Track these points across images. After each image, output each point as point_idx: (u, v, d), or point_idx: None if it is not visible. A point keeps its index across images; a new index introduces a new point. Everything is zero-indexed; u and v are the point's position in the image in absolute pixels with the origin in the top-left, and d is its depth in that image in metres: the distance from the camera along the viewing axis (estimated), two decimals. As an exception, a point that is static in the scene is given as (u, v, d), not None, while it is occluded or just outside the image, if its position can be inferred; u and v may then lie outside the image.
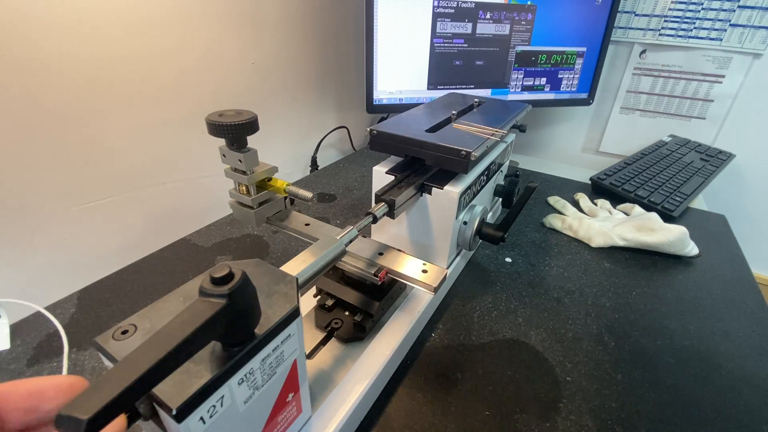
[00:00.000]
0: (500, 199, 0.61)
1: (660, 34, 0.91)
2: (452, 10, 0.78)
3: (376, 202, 0.40)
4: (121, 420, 0.18)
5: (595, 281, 0.56)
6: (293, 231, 0.41)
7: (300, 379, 0.28)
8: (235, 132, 0.34)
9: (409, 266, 0.38)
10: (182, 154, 0.68)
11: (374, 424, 0.37)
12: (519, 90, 0.90)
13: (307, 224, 0.42)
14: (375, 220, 0.38)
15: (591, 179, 0.85)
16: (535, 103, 0.70)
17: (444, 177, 0.45)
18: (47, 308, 0.49)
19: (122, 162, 0.60)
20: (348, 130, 1.03)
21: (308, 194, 0.38)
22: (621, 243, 0.63)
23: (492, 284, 0.55)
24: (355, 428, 0.36)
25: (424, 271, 0.38)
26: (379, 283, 0.38)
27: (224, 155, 0.37)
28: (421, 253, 0.50)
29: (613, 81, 0.99)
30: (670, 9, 0.89)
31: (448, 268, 0.50)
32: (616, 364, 0.44)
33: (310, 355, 0.38)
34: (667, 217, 0.72)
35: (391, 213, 0.40)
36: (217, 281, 0.19)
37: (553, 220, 0.70)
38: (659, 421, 0.38)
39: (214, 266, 0.20)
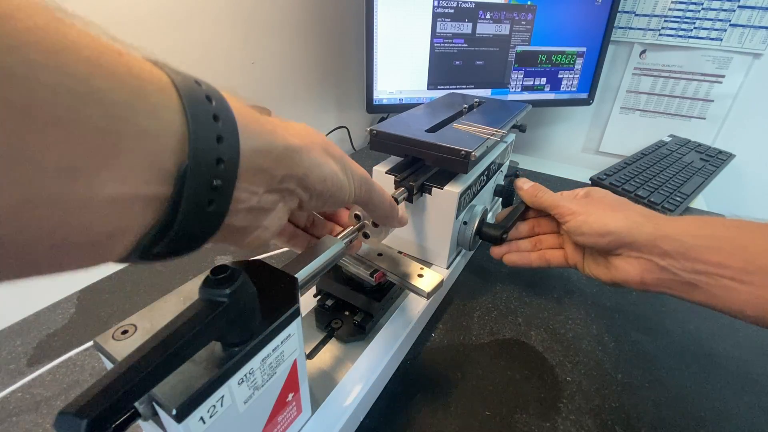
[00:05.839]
0: (500, 199, 0.61)
1: (660, 34, 0.91)
2: (452, 10, 0.78)
3: (396, 188, 0.42)
4: None
5: (594, 281, 0.56)
6: None
7: (300, 379, 0.28)
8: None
9: (406, 269, 0.38)
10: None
11: (374, 424, 0.37)
12: (519, 90, 0.90)
13: None
14: (397, 203, 0.41)
15: (591, 179, 0.85)
16: (535, 103, 0.70)
17: (444, 177, 0.45)
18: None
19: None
20: (348, 130, 1.03)
21: None
22: (621, 243, 0.63)
23: (492, 284, 0.55)
24: (355, 428, 0.36)
25: (420, 276, 0.38)
26: (375, 284, 0.38)
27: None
28: (421, 253, 0.50)
29: (613, 81, 0.99)
30: (670, 9, 0.89)
31: (448, 269, 0.50)
32: (616, 364, 0.44)
33: (310, 355, 0.38)
34: (667, 217, 0.72)
35: (410, 197, 0.43)
36: (217, 282, 0.19)
37: (553, 220, 0.69)
38: (659, 421, 0.38)
39: (214, 266, 0.20)
